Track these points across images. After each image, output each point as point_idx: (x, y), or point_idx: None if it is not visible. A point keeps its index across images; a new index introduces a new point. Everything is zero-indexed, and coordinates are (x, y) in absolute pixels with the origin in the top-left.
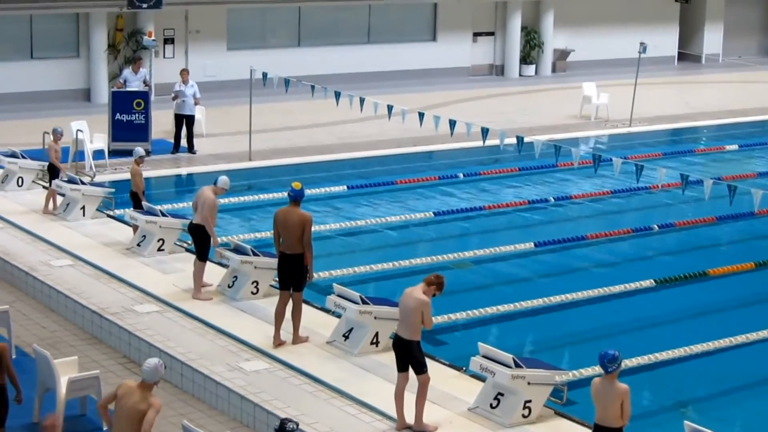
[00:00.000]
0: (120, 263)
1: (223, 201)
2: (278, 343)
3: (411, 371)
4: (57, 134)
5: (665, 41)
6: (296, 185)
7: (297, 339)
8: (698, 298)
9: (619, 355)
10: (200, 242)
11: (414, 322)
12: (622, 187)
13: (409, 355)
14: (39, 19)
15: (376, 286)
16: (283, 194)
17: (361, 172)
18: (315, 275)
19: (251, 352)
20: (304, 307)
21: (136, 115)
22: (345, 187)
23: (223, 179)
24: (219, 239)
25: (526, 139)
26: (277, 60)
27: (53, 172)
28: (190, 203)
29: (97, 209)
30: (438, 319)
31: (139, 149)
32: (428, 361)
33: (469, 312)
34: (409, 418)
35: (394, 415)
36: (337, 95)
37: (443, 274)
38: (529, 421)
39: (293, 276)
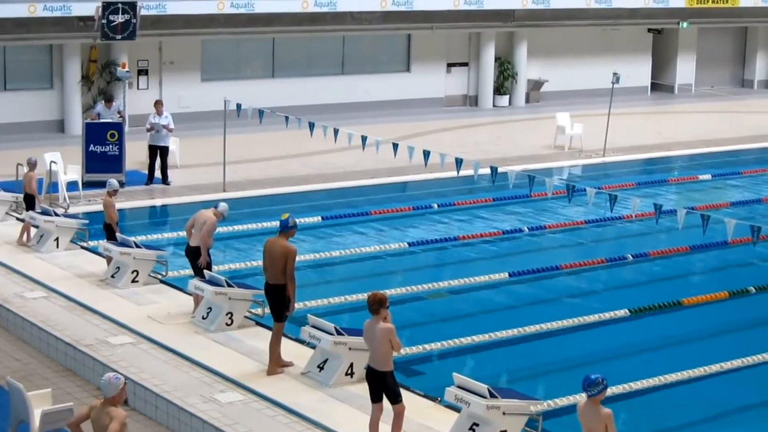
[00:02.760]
0: (94, 295)
1: None
2: (272, 371)
3: (385, 401)
4: (31, 164)
5: (638, 72)
6: (284, 216)
7: (272, 370)
8: (672, 327)
9: (601, 379)
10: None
11: (384, 353)
12: (596, 217)
13: (384, 386)
14: (12, 51)
15: (350, 317)
16: (258, 225)
17: (336, 202)
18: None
19: (226, 384)
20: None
21: (110, 146)
22: (319, 218)
23: (224, 206)
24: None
25: (500, 170)
26: (251, 91)
27: (30, 202)
28: (165, 234)
29: (70, 241)
30: (413, 350)
31: (113, 181)
32: (403, 392)
33: (443, 342)
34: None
35: None
36: (312, 126)
37: (417, 304)
38: None
39: (273, 306)
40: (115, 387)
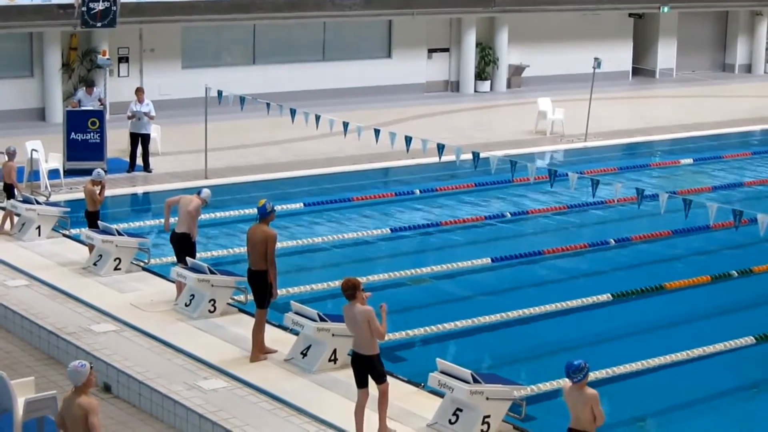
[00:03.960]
0: (76, 283)
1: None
2: (254, 358)
3: (370, 387)
4: (10, 153)
5: (620, 56)
6: (260, 202)
7: (254, 357)
8: (655, 311)
9: (584, 364)
10: (184, 250)
11: (368, 336)
12: (578, 201)
13: (371, 369)
14: None
15: (333, 303)
16: (240, 212)
17: (318, 189)
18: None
19: (209, 371)
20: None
21: (91, 134)
22: (301, 205)
23: (206, 192)
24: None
25: (482, 155)
26: (232, 78)
27: (9, 191)
28: (147, 222)
29: (52, 229)
30: (396, 335)
31: (101, 171)
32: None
33: (426, 328)
34: None
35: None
36: (293, 112)
37: (400, 290)
38: None
39: (256, 292)
40: (83, 374)
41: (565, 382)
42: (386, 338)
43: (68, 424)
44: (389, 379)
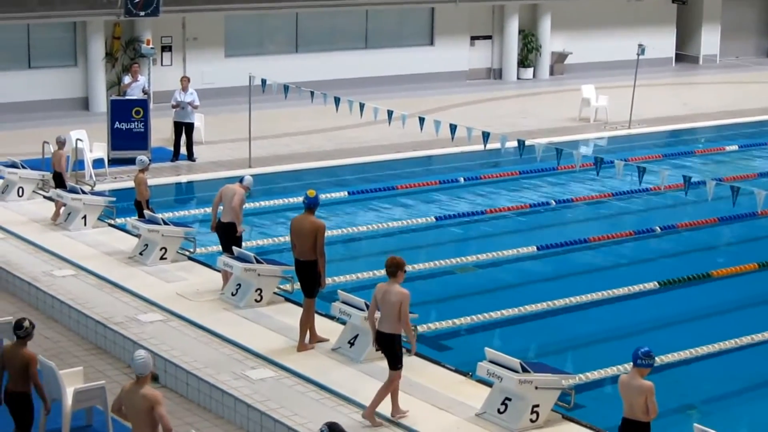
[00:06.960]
0: (123, 272)
1: None
2: (302, 348)
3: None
4: (61, 142)
5: (663, 43)
6: (310, 193)
7: (302, 346)
8: (702, 299)
9: (653, 354)
10: (229, 240)
11: (397, 316)
12: (624, 189)
13: (391, 349)
14: (36, 29)
15: None
16: (285, 201)
17: (362, 177)
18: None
19: (256, 360)
20: None
21: (135, 123)
22: (346, 193)
23: (249, 179)
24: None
25: (527, 143)
26: (275, 66)
27: (59, 180)
28: (192, 211)
29: (98, 218)
30: (442, 324)
31: (143, 158)
32: (434, 367)
33: (472, 317)
34: (386, 409)
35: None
36: (337, 101)
37: (445, 278)
38: (536, 426)
39: (304, 282)
40: (149, 366)
41: (620, 370)
42: (432, 327)
43: (129, 414)
44: (436, 370)
